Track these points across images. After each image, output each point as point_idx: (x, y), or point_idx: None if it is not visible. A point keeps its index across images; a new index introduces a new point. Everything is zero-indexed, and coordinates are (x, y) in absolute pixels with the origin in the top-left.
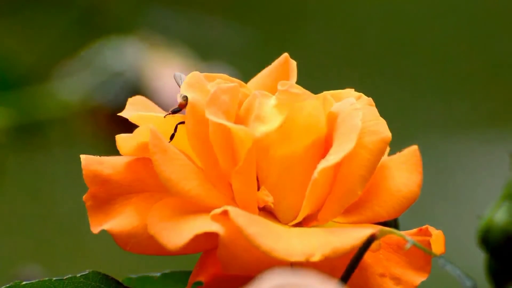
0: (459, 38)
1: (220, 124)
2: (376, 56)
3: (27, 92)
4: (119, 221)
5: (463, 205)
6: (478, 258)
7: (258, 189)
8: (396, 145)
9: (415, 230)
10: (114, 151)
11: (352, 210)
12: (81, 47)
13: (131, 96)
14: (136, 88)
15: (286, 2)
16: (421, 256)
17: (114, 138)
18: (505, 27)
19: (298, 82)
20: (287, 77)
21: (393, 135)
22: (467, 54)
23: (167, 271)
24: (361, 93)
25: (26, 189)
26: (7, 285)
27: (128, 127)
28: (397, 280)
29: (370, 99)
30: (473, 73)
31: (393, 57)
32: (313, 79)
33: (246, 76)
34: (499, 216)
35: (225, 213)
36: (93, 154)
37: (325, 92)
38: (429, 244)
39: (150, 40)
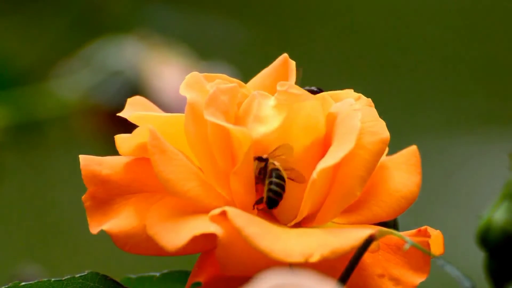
0: (459, 38)
1: (219, 125)
2: (376, 56)
3: (26, 90)
4: (118, 221)
5: (463, 205)
6: (478, 258)
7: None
8: (395, 145)
9: (414, 230)
10: (114, 150)
11: (351, 211)
12: (80, 46)
13: (130, 95)
14: (135, 87)
15: (286, 1)
16: (420, 257)
17: (114, 137)
18: (506, 26)
19: (298, 82)
20: (286, 78)
21: (392, 135)
22: (467, 54)
23: (166, 271)
24: (360, 94)
25: (25, 188)
26: (7, 286)
27: (128, 126)
28: (396, 280)
29: (369, 99)
30: (473, 73)
31: (392, 56)
32: (313, 79)
33: (246, 74)
34: (498, 216)
35: (224, 213)
36: (93, 153)
37: (324, 93)
38: (428, 244)
39: (149, 39)
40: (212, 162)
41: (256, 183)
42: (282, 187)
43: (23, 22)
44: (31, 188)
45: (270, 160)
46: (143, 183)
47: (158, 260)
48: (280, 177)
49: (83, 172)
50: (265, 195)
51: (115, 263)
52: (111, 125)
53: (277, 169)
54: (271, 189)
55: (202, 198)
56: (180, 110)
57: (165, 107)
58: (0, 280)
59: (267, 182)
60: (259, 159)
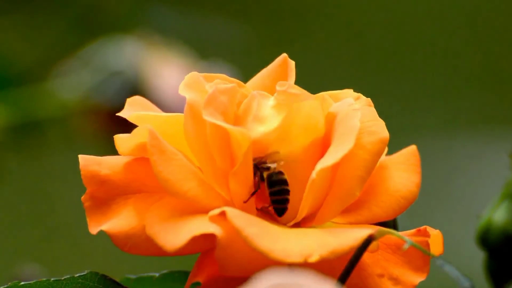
0: (460, 38)
1: (218, 125)
2: (376, 55)
3: (26, 91)
4: (117, 221)
5: (463, 204)
6: (477, 258)
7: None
8: (395, 145)
9: (413, 230)
10: (114, 150)
11: (350, 211)
12: (80, 46)
13: (130, 95)
14: (135, 87)
15: (286, 1)
16: (420, 257)
17: (113, 137)
18: (507, 26)
19: (298, 82)
20: (285, 77)
21: (392, 135)
22: (468, 54)
23: (165, 271)
24: (359, 94)
25: (25, 188)
26: (6, 286)
27: (127, 126)
28: (395, 280)
29: (369, 99)
30: (474, 73)
31: (392, 56)
32: (313, 79)
33: (246, 74)
34: (498, 216)
35: (223, 214)
36: (93, 153)
37: (323, 93)
38: (427, 244)
39: (149, 39)
40: (211, 162)
41: (255, 184)
42: (285, 192)
43: (23, 22)
44: (31, 188)
45: (267, 164)
46: (142, 183)
47: (157, 260)
48: (280, 181)
49: (82, 172)
50: (271, 205)
51: (115, 263)
52: (111, 125)
53: (275, 173)
54: (274, 201)
55: (201, 198)
56: (180, 110)
57: (165, 107)
58: (0, 280)
59: (268, 191)
60: (256, 165)
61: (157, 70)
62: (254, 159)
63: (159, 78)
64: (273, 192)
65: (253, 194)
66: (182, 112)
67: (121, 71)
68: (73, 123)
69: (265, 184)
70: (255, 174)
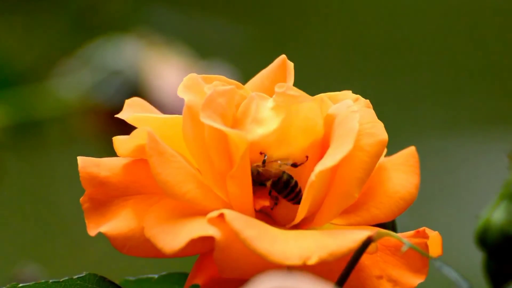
0: (459, 38)
1: (216, 128)
2: (376, 56)
3: (25, 90)
4: (116, 223)
5: (462, 205)
6: (476, 258)
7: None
8: (395, 145)
9: (412, 232)
10: (113, 150)
11: (349, 212)
12: (80, 45)
13: (129, 95)
14: (135, 86)
15: (286, 2)
16: (419, 258)
17: (113, 137)
18: (506, 26)
19: (298, 82)
20: (284, 79)
21: (392, 135)
22: (467, 54)
23: (164, 273)
24: (358, 95)
25: (24, 188)
26: (5, 287)
27: (127, 125)
28: (394, 282)
29: (367, 101)
30: (473, 73)
31: (391, 57)
32: (312, 80)
33: (245, 74)
34: (497, 216)
35: (222, 216)
36: (92, 153)
37: (322, 94)
38: (426, 246)
39: (149, 39)
40: (210, 164)
41: (254, 185)
42: (295, 185)
43: (22, 21)
44: (30, 188)
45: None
46: (141, 185)
47: (156, 262)
48: (291, 187)
49: (81, 174)
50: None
51: (114, 264)
52: (111, 124)
53: (285, 178)
54: (291, 199)
55: (200, 201)
56: (179, 109)
57: (165, 106)
58: (0, 280)
59: (282, 195)
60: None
61: (157, 69)
62: (257, 170)
63: (159, 78)
64: (286, 194)
65: (276, 204)
66: (181, 111)
67: (120, 71)
68: (72, 122)
69: (273, 190)
70: (260, 173)
